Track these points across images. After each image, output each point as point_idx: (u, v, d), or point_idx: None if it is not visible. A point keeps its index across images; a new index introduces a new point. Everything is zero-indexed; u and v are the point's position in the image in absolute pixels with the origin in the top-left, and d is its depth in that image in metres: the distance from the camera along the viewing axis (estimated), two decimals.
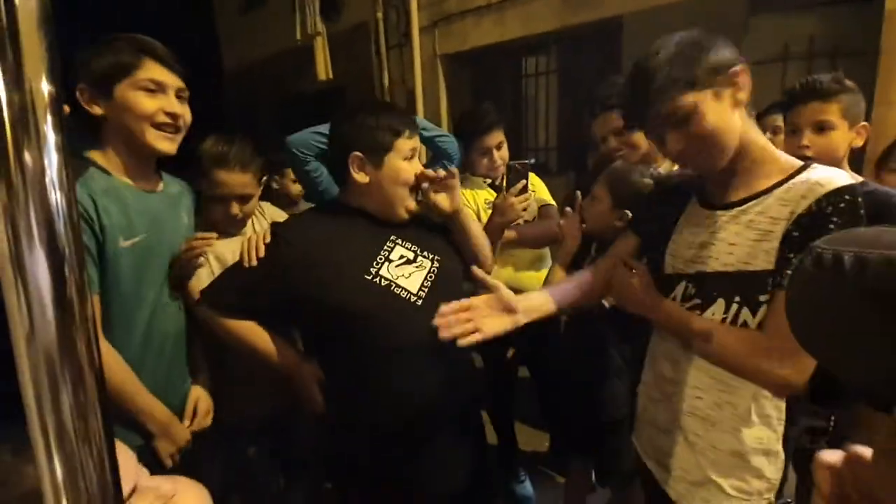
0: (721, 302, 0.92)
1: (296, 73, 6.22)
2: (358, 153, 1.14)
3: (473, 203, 1.84)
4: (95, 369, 0.28)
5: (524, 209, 1.53)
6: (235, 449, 1.53)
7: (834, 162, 1.27)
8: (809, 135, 1.31)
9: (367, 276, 1.14)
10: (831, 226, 0.80)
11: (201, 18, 8.86)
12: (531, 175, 1.97)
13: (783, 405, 0.93)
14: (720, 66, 0.86)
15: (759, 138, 0.93)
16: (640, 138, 1.64)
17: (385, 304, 1.12)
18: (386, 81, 5.13)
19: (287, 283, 1.13)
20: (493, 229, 1.57)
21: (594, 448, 1.70)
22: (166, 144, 1.17)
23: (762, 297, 0.87)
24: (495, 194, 1.84)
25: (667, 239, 1.04)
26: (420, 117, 4.90)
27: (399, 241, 1.21)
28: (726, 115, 0.87)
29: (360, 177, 1.16)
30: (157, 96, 1.14)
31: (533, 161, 1.62)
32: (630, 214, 1.46)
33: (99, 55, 1.11)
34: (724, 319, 0.91)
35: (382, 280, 1.14)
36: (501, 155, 1.82)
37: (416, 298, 1.16)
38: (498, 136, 1.81)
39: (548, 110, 4.38)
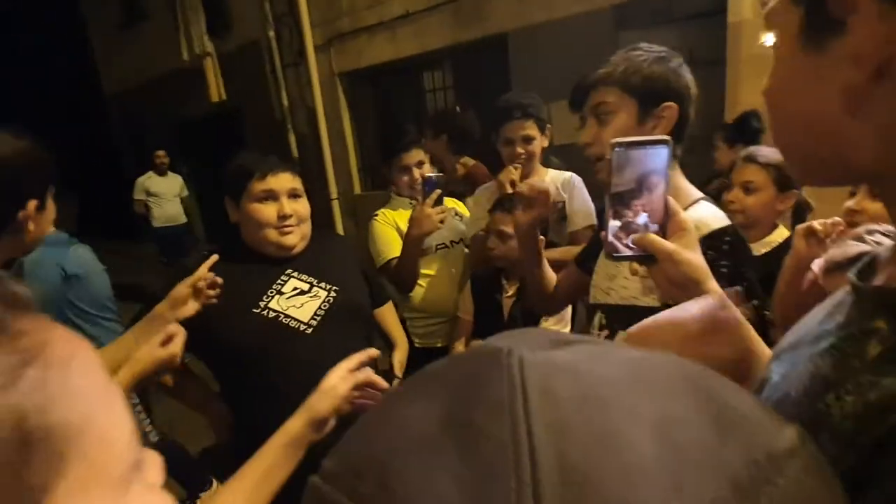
0: (621, 335, 0.93)
1: (186, 94, 5.88)
2: (228, 196, 1.25)
3: (395, 224, 1.83)
4: None
5: (441, 220, 1.58)
6: None
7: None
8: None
9: (255, 310, 1.19)
10: (723, 269, 0.80)
11: (75, 40, 8.11)
12: (458, 203, 2.00)
13: None
14: (655, 92, 0.86)
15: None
16: (538, 146, 1.73)
17: (271, 334, 1.19)
18: (285, 101, 5.00)
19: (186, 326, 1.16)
20: (412, 241, 1.61)
21: None
22: None
23: None
24: None
25: (592, 268, 1.04)
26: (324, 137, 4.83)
27: (294, 273, 1.27)
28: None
29: (234, 216, 1.26)
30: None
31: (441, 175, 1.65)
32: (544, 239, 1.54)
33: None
34: None
35: (270, 312, 1.20)
36: (422, 173, 1.82)
37: (305, 327, 1.22)
38: (417, 155, 1.83)
39: None
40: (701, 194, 0.94)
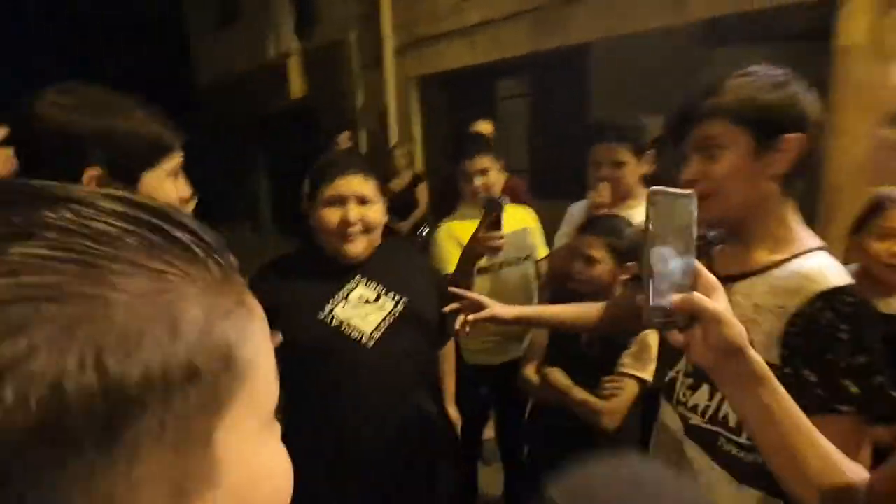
0: (706, 389, 0.85)
1: (269, 90, 6.18)
2: (307, 199, 1.22)
3: (455, 237, 1.75)
4: None
5: (498, 248, 1.42)
6: None
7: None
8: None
9: (318, 317, 1.16)
10: (842, 335, 0.70)
11: (173, 35, 8.79)
12: (527, 216, 1.90)
13: None
14: (773, 122, 0.76)
15: (783, 212, 0.82)
16: (630, 171, 1.60)
17: (332, 343, 1.16)
18: (358, 102, 5.14)
19: None
20: (462, 264, 1.47)
21: None
22: None
23: None
24: None
25: None
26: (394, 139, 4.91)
27: (364, 280, 1.22)
28: (750, 174, 0.78)
29: (312, 220, 1.22)
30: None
31: (506, 200, 1.52)
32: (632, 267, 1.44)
33: (125, 130, 0.80)
34: (707, 407, 0.85)
35: (334, 320, 1.17)
36: (485, 181, 1.73)
37: (367, 340, 1.18)
38: (481, 162, 1.74)
39: (520, 134, 4.43)
40: (820, 242, 0.81)
